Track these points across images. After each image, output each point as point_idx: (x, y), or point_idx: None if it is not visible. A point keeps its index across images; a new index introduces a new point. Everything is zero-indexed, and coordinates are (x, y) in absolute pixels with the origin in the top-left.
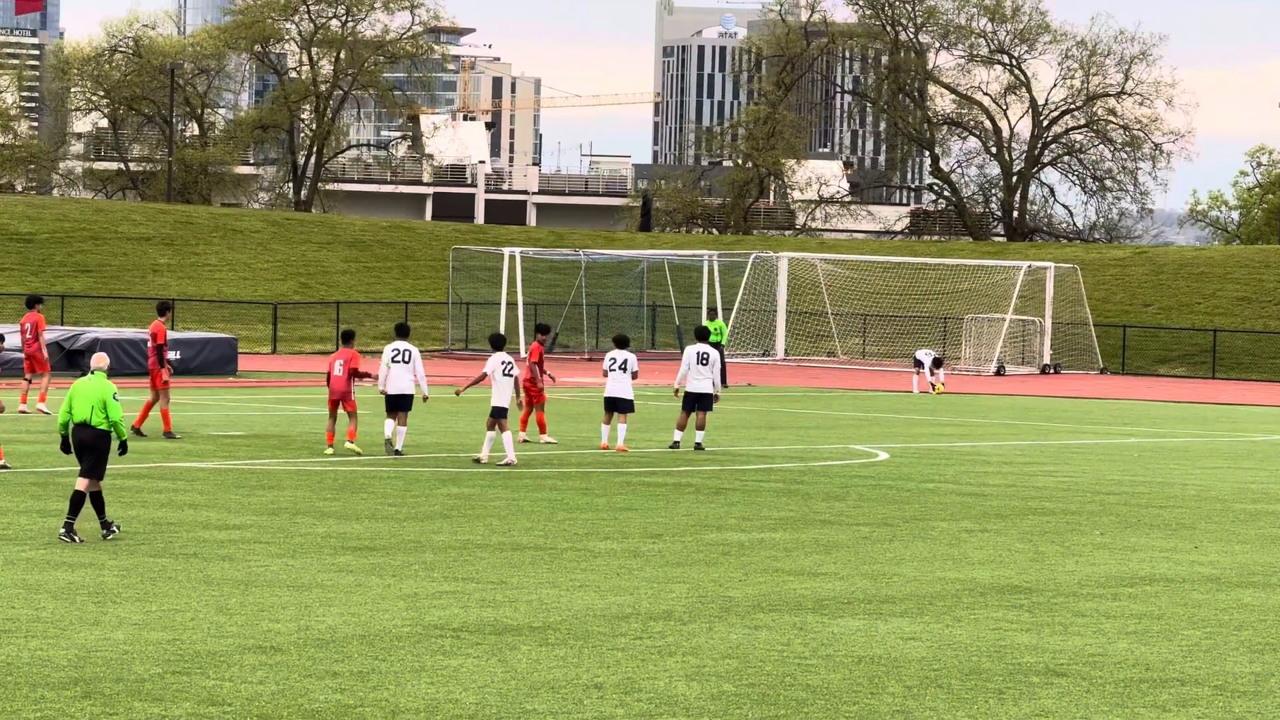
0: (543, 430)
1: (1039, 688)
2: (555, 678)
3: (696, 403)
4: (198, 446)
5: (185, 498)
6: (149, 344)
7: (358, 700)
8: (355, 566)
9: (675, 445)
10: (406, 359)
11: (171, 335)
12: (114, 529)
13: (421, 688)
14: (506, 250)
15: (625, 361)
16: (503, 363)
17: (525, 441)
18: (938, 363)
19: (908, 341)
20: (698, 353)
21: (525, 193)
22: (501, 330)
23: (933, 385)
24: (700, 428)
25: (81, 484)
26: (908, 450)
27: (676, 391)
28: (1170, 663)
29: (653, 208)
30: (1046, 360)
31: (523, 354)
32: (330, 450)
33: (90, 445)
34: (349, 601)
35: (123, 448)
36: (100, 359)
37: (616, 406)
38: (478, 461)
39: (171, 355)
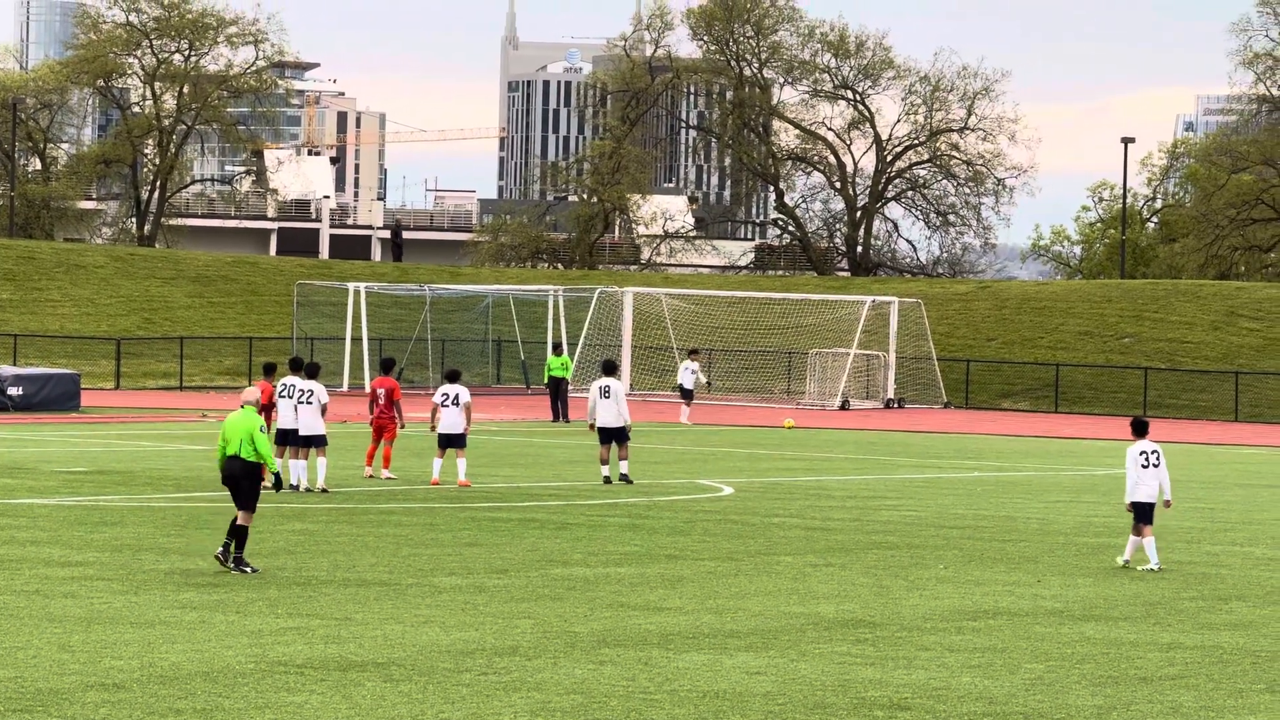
0: (386, 465)
1: None
2: (400, 714)
3: (612, 436)
4: (40, 483)
5: (27, 534)
6: None
7: None
8: (199, 603)
9: (607, 480)
10: (308, 399)
11: (14, 371)
12: (244, 565)
13: None
14: (351, 285)
15: (456, 396)
16: (600, 387)
17: (370, 477)
18: (686, 394)
19: (753, 376)
20: (600, 387)
21: (370, 227)
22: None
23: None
24: (623, 459)
25: (242, 518)
26: (752, 485)
27: (591, 426)
28: (1013, 696)
29: (404, 239)
30: (891, 394)
31: (366, 388)
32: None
33: (240, 477)
34: (192, 638)
35: (276, 482)
36: (250, 393)
37: (450, 442)
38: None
39: (13, 391)
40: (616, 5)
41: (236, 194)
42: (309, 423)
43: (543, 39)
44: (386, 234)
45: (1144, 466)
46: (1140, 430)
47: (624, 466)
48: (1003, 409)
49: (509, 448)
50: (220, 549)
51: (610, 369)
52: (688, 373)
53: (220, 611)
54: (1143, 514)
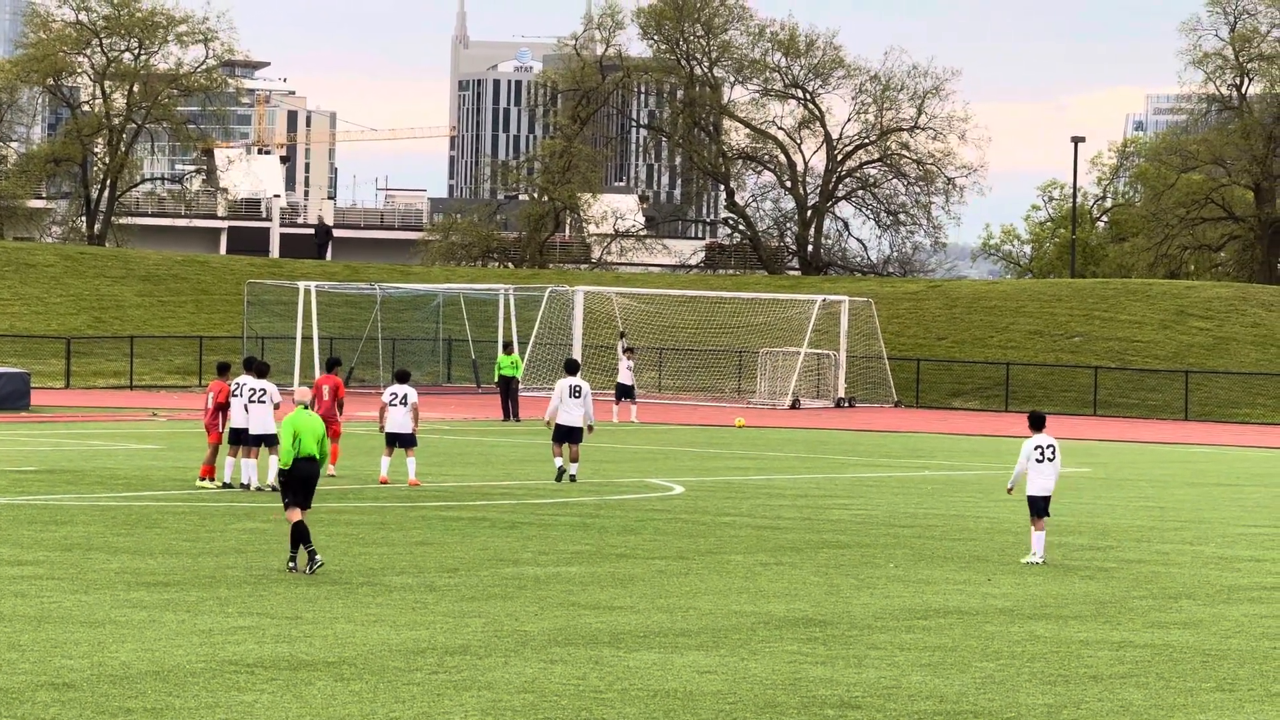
0: (333, 460)
1: None
2: (350, 713)
3: (567, 436)
4: None
5: None
6: None
7: None
8: (149, 602)
9: (561, 471)
10: (260, 398)
11: None
12: (318, 560)
13: None
14: (301, 284)
15: (405, 395)
16: (571, 386)
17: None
18: (626, 392)
19: (704, 375)
20: (570, 386)
21: None
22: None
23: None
24: (573, 460)
25: (296, 514)
26: (703, 484)
27: (549, 423)
28: (964, 694)
29: (331, 238)
30: (841, 393)
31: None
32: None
33: (314, 477)
34: (143, 637)
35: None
36: (303, 393)
37: (399, 441)
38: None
39: None
40: (567, 4)
41: (187, 193)
42: (261, 421)
43: (493, 38)
44: (337, 232)
45: (1039, 460)
46: (1037, 424)
47: (573, 469)
48: (953, 408)
49: (460, 446)
50: (304, 560)
51: (574, 368)
52: (626, 370)
53: (171, 610)
54: (1037, 507)
